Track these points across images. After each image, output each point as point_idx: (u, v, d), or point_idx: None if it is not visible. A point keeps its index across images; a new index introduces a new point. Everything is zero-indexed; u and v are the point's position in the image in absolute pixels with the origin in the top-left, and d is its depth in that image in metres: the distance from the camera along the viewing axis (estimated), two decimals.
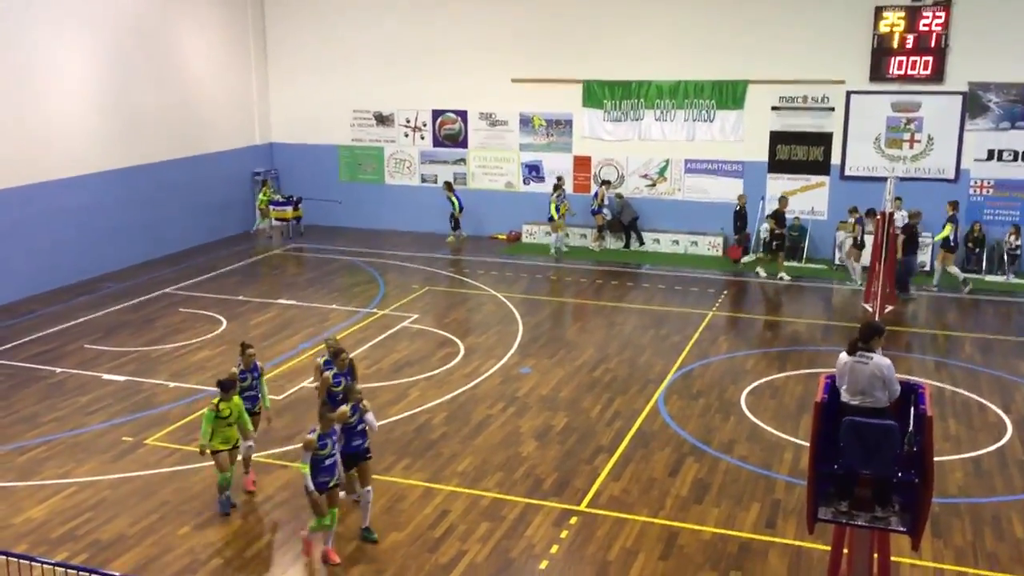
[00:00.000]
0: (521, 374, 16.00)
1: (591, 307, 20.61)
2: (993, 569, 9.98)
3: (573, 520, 11.09)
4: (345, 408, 10.38)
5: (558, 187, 24.82)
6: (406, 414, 14.29)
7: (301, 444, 10.09)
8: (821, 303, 20.86)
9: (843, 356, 8.01)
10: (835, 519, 7.85)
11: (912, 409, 7.95)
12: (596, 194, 24.97)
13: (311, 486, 9.84)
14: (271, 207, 27.12)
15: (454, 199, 25.72)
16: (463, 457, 12.80)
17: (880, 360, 7.91)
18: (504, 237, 26.71)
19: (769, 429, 13.66)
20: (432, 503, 11.51)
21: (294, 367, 16.28)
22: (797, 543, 10.43)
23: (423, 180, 27.37)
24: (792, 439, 13.14)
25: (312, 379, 12.42)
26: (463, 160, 27.07)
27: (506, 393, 15.13)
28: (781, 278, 22.21)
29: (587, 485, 11.96)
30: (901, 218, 21.69)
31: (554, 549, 10.47)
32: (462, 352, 17.11)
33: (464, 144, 27.01)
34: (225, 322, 18.93)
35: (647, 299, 21.04)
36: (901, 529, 7.69)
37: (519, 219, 26.49)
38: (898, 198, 20.41)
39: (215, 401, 11.13)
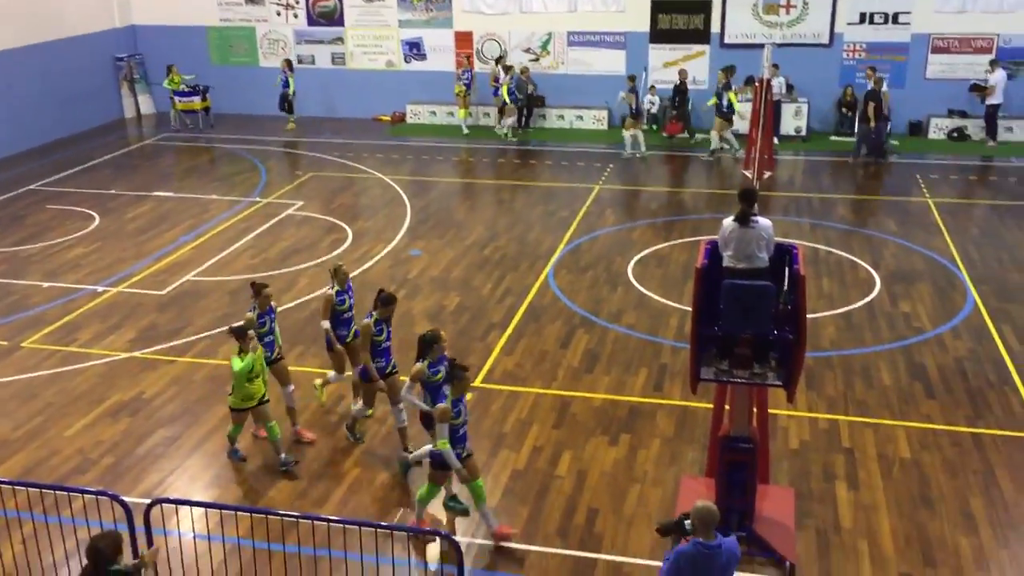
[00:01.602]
0: (411, 256, 15.92)
1: (479, 186, 20.51)
2: (863, 415, 10.67)
3: (468, 396, 11.23)
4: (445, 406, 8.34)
5: (508, 68, 23.73)
6: (297, 302, 14.12)
7: (436, 414, 8.25)
8: (704, 172, 21.25)
9: (727, 223, 8.16)
10: (716, 378, 8.19)
11: (786, 270, 8.25)
12: (498, 77, 24.16)
13: (453, 461, 8.26)
14: (176, 98, 25.31)
15: (292, 80, 24.51)
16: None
17: (764, 222, 8.13)
18: (388, 118, 26.11)
19: (655, 297, 14.05)
20: (327, 388, 11.50)
21: (176, 260, 15.79)
22: (683, 403, 10.89)
23: (300, 61, 26.29)
24: (677, 305, 13.55)
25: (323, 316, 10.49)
26: (340, 39, 26.07)
27: (397, 276, 15.07)
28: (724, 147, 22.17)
29: (481, 362, 12.14)
30: (779, 84, 22.10)
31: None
32: (350, 237, 16.88)
33: (340, 22, 25.96)
34: (98, 218, 18.12)
35: (534, 176, 21.04)
36: (777, 383, 8.07)
37: (403, 99, 25.87)
38: (775, 65, 20.72)
39: (242, 355, 9.38)
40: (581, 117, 24.62)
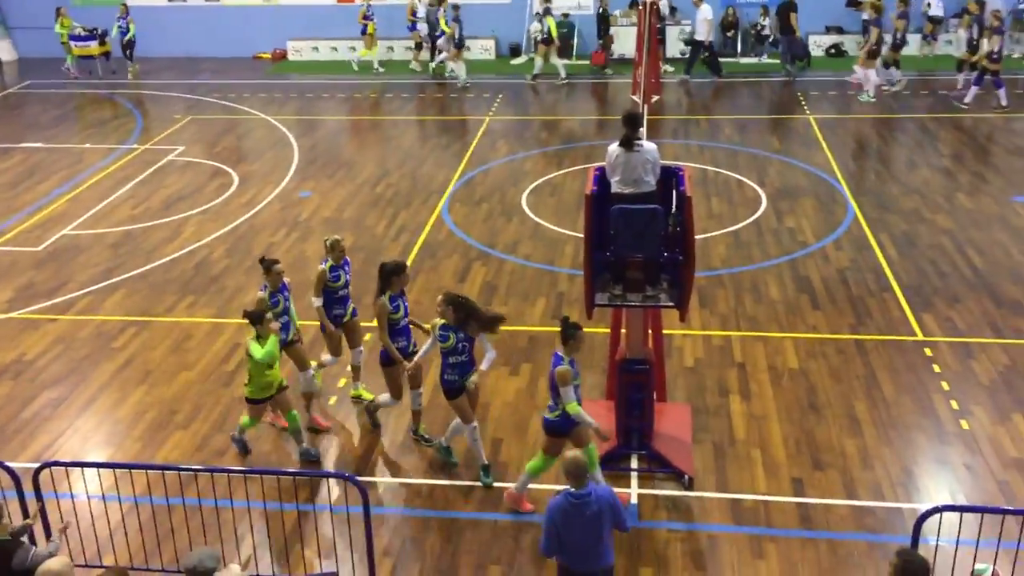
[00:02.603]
0: (301, 198, 15.55)
1: (368, 123, 20.08)
2: (753, 330, 10.99)
3: (368, 337, 11.14)
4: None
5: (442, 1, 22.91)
6: (184, 251, 13.65)
7: (558, 377, 7.59)
8: (593, 99, 21.27)
9: (613, 148, 8.17)
10: (611, 302, 8.28)
11: (674, 192, 8.35)
12: (415, 11, 23.24)
13: (587, 419, 7.63)
14: (72, 43, 23.59)
15: (131, 25, 23.22)
16: (249, 288, 12.45)
17: (649, 145, 8.16)
18: (269, 56, 25.22)
19: (550, 226, 14.10)
20: (222, 338, 11.24)
21: (51, 214, 15.06)
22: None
23: (170, 0, 25.04)
24: (572, 233, 13.63)
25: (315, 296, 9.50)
26: None
27: (288, 219, 14.71)
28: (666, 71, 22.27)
29: None
30: (664, 6, 22.16)
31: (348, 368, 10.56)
32: (236, 181, 16.36)
33: None
34: None
35: (423, 110, 20.72)
36: (670, 304, 8.21)
37: (283, 36, 24.99)
38: None
39: (260, 340, 8.42)
40: (467, 47, 24.21)
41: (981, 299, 11.41)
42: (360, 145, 18.50)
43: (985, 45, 18.59)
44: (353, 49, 24.14)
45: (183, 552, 6.98)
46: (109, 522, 7.73)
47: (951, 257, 12.52)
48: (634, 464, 8.68)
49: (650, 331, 8.96)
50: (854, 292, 11.75)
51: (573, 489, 6.07)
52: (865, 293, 11.71)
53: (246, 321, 8.54)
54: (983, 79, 18.67)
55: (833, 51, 23.15)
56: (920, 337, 10.65)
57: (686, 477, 8.42)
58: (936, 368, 10.01)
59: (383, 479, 8.72)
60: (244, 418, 8.92)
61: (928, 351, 10.36)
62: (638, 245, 8.00)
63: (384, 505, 8.35)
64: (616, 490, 8.20)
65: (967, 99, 18.85)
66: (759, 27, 23.01)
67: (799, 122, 18.65)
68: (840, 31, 23.24)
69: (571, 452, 6.28)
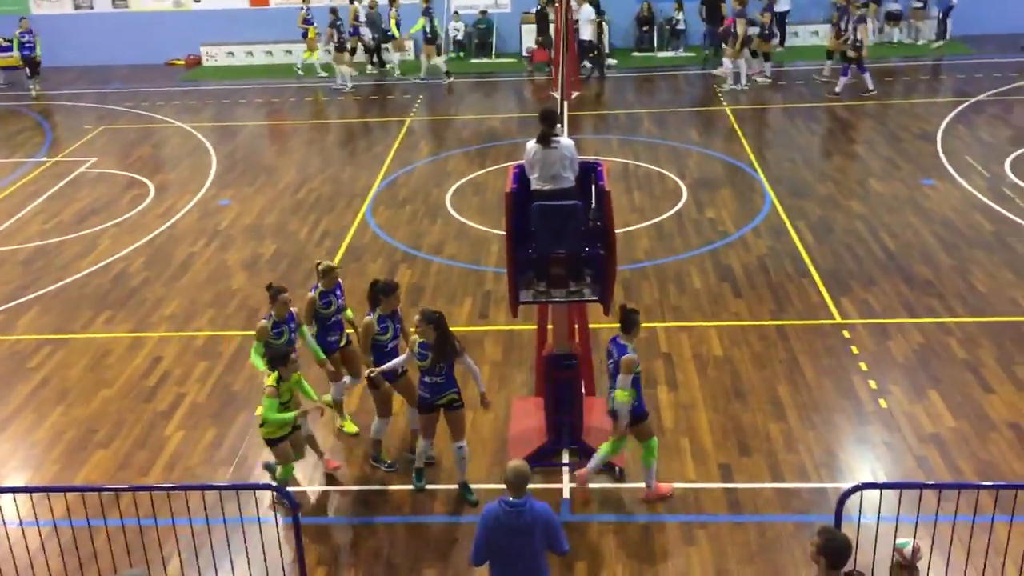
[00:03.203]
0: (221, 206, 15.27)
1: (287, 128, 19.81)
2: (678, 320, 11.14)
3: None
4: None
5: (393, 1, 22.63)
6: (99, 265, 13.29)
7: (623, 365, 7.64)
8: (513, 96, 21.33)
9: (531, 145, 8.20)
10: (536, 299, 8.31)
11: (593, 187, 8.41)
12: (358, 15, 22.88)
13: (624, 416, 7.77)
14: None
15: (38, 42, 22.14)
16: (169, 300, 12.20)
17: (566, 142, 8.19)
18: (182, 62, 24.71)
19: (475, 225, 14.09)
20: (142, 352, 10.97)
21: None
22: (508, 327, 11.04)
23: (76, 7, 24.36)
24: (496, 232, 13.62)
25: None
26: None
27: (207, 228, 14.43)
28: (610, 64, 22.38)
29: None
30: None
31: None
32: (153, 192, 15.99)
33: None
34: None
35: (343, 112, 20.53)
36: (593, 299, 8.28)
37: (196, 41, 24.52)
38: None
39: (281, 384, 7.87)
40: (387, 49, 24.06)
41: (895, 281, 11.74)
42: (280, 150, 18.24)
43: (857, 32, 19.14)
44: (289, 52, 23.73)
45: (107, 575, 6.79)
46: (28, 548, 7.48)
47: (865, 241, 12.86)
48: (566, 459, 8.72)
49: (576, 326, 9.02)
50: (774, 279, 11.99)
51: (510, 497, 5.93)
52: (785, 279, 11.96)
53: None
54: (850, 68, 19.24)
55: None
56: (838, 320, 10.92)
57: (617, 469, 8.49)
58: (854, 350, 10.28)
59: (314, 488, 8.61)
60: (279, 470, 8.16)
61: (846, 333, 10.62)
62: (559, 241, 8.04)
63: (317, 515, 8.24)
64: (548, 485, 8.34)
65: (837, 88, 19.43)
66: (674, 22, 23.33)
67: (716, 114, 18.97)
68: (753, 23, 23.63)
69: (514, 461, 6.11)
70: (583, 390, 8.90)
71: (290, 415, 7.96)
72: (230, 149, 18.09)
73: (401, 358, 8.27)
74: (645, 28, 23.53)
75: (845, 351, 10.29)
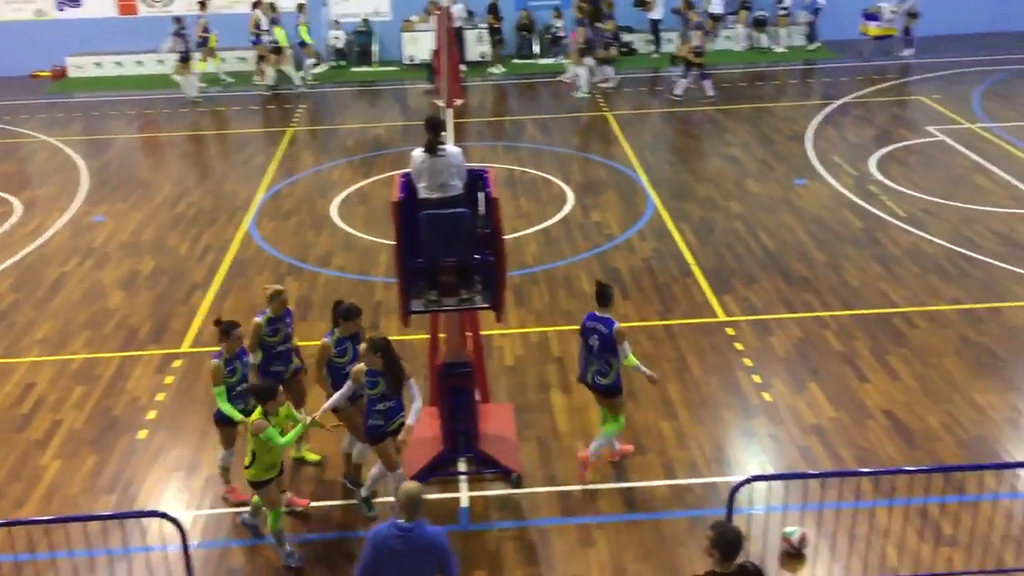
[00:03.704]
0: (94, 223, 14.65)
1: (163, 140, 19.18)
2: (569, 324, 11.23)
3: (177, 364, 10.66)
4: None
5: (302, 7, 21.97)
6: None
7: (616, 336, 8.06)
8: (397, 105, 21.20)
9: (417, 153, 8.14)
10: (427, 308, 8.25)
11: (480, 194, 8.42)
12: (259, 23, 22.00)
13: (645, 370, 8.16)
14: None
15: None
16: (41, 323, 11.63)
17: (453, 149, 8.17)
18: (48, 74, 23.63)
19: (362, 236, 13.93)
20: (12, 379, 10.41)
21: None
22: (400, 338, 10.82)
23: None
24: (384, 241, 13.49)
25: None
26: None
27: (80, 246, 13.82)
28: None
29: (186, 325, 11.48)
30: (460, 10, 22.37)
31: (160, 397, 10.04)
32: (19, 210, 15.22)
33: None
34: None
35: (222, 124, 20.01)
36: (485, 306, 8.28)
37: (62, 52, 23.48)
38: None
39: (270, 417, 7.31)
40: (264, 57, 23.51)
41: (774, 278, 12.17)
42: (156, 164, 17.64)
43: (695, 39, 19.80)
44: (161, 63, 22.91)
45: None
46: None
47: (745, 240, 13.28)
48: (462, 468, 8.69)
49: (468, 333, 9.01)
50: (660, 279, 12.25)
51: (401, 520, 5.76)
52: (670, 280, 12.24)
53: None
54: (690, 72, 19.92)
55: (625, 49, 24.06)
56: (722, 318, 11.24)
57: (514, 475, 8.52)
58: (738, 346, 10.59)
59: (203, 511, 8.33)
60: (269, 517, 7.52)
61: (730, 331, 10.94)
62: (449, 249, 8.02)
63: (206, 539, 7.98)
64: (446, 495, 8.29)
65: (677, 91, 20.08)
66: (553, 29, 23.63)
67: (597, 119, 19.29)
68: (630, 30, 24.19)
69: (408, 484, 5.93)
70: (478, 398, 8.89)
71: (294, 433, 7.47)
72: (102, 163, 17.39)
73: (344, 391, 7.78)
74: (525, 35, 23.76)
75: (730, 348, 10.59)
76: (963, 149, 16.45)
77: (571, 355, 10.56)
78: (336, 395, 7.85)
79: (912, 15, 22.57)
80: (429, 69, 21.38)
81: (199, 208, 15.13)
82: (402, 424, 7.72)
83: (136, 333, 11.33)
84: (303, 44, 22.39)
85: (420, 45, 23.07)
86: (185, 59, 20.88)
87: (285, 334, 8.53)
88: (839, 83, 21.23)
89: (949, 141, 16.87)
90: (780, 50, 23.98)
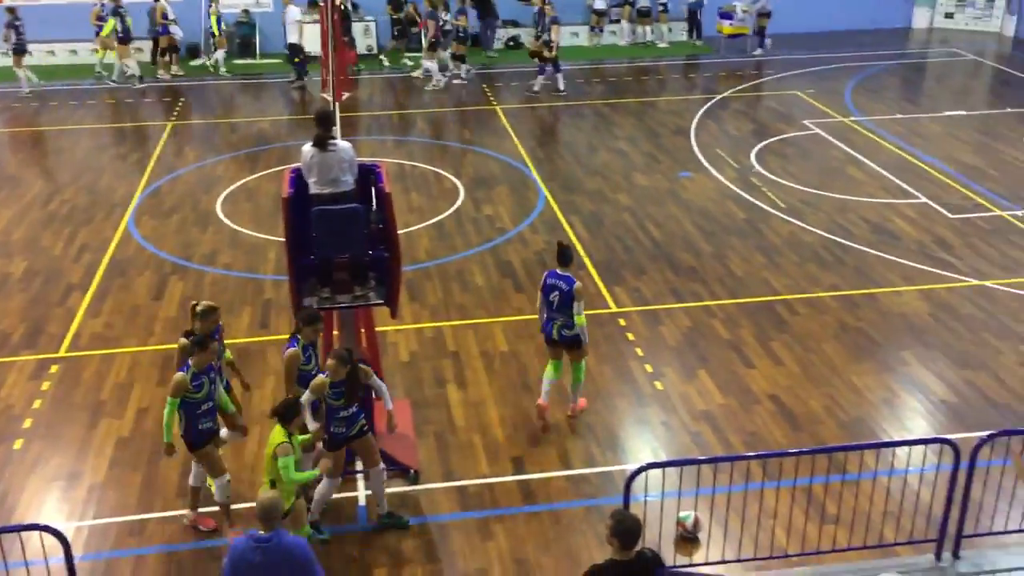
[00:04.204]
0: None
1: (27, 135, 18.25)
2: (463, 318, 11.25)
3: (54, 369, 10.19)
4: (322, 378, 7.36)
5: None
6: None
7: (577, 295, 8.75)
8: (282, 98, 20.74)
9: (307, 148, 8.00)
10: (320, 306, 8.11)
11: (373, 189, 8.32)
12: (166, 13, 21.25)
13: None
14: None
15: None
16: None
17: (344, 144, 8.04)
18: None
19: (249, 232, 13.58)
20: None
21: None
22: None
23: None
24: (273, 238, 13.21)
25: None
26: None
27: None
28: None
29: (63, 329, 10.98)
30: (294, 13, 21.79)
31: (37, 404, 9.58)
32: None
33: None
34: None
35: (96, 117, 19.17)
36: (379, 302, 8.20)
37: None
38: None
39: (291, 438, 6.87)
40: (141, 49, 22.64)
41: (662, 269, 12.44)
42: (24, 159, 16.79)
43: (552, 34, 19.96)
44: (30, 54, 21.72)
45: None
46: None
47: (633, 232, 13.53)
48: (359, 466, 8.58)
49: (363, 330, 8.89)
50: None
51: (259, 532, 5.54)
52: None
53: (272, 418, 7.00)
54: (546, 67, 20.20)
55: (512, 43, 24.17)
56: (614, 309, 11.42)
57: (412, 471, 8.46)
58: (630, 336, 10.79)
59: (86, 522, 7.98)
60: (304, 526, 7.17)
61: (622, 321, 11.13)
62: (342, 245, 7.91)
63: (90, 551, 7.65)
64: (343, 494, 8.16)
65: (535, 87, 20.33)
66: (441, 23, 23.47)
67: (487, 113, 19.32)
68: (516, 24, 24.30)
69: (267, 493, 5.69)
70: (373, 395, 8.78)
71: (312, 473, 7.17)
72: None
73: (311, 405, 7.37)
74: (414, 29, 23.55)
75: (622, 338, 10.78)
76: (836, 142, 17.16)
77: (466, 349, 10.58)
78: (308, 417, 7.37)
79: (764, 15, 23.31)
80: (294, 62, 20.88)
81: (73, 206, 14.48)
82: (361, 427, 7.58)
83: (8, 338, 10.77)
84: (213, 34, 21.81)
85: (308, 38, 22.56)
86: (20, 51, 19.94)
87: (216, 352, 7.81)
88: (719, 78, 21.85)
89: (823, 134, 17.57)
90: (663, 45, 24.51)
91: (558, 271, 8.94)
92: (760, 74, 22.06)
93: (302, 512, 7.18)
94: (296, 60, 20.73)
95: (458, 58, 21.32)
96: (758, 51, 23.45)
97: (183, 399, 7.36)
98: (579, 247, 13.04)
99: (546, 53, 19.99)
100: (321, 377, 7.34)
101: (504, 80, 21.57)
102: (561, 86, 20.17)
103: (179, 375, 7.37)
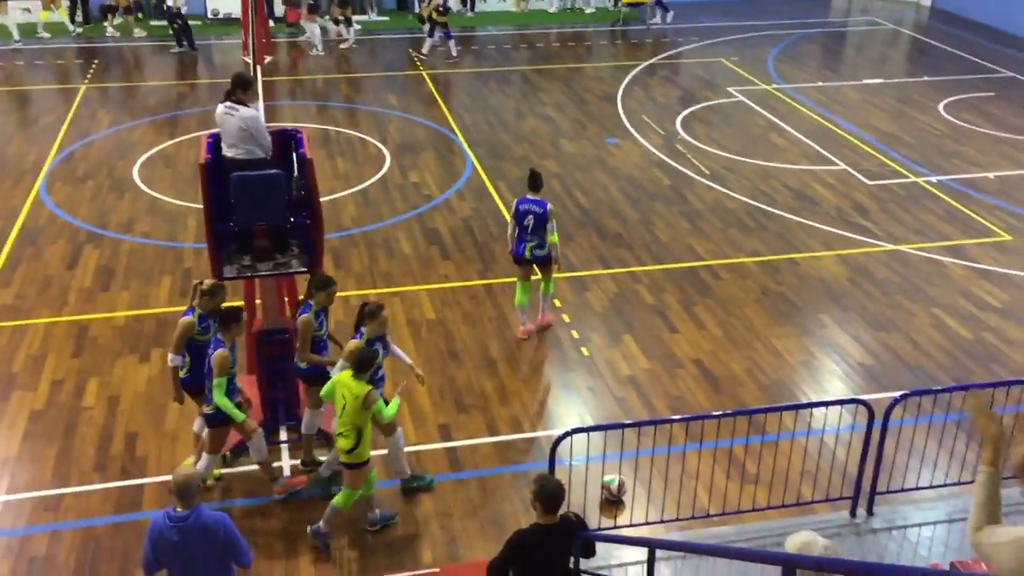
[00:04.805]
0: None
1: None
2: (389, 286, 11.16)
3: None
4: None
5: None
6: None
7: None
8: (202, 61, 20.16)
9: (219, 108, 7.82)
10: (240, 274, 7.94)
11: (294, 155, 8.15)
12: None
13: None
14: None
15: None
16: None
17: (245, 112, 7.81)
18: None
19: (168, 199, 13.23)
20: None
21: None
22: None
23: None
24: (193, 205, 12.88)
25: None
26: None
27: None
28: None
29: None
30: None
31: None
32: None
33: None
34: None
35: (4, 80, 18.40)
36: (302, 270, 8.05)
37: None
38: None
39: (369, 388, 7.00)
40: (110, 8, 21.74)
41: (589, 235, 12.49)
42: None
43: None
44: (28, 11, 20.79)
45: None
46: None
47: (561, 199, 13.54)
48: (283, 436, 8.49)
49: (286, 298, 8.75)
50: (479, 239, 12.32)
51: (176, 509, 5.35)
52: (488, 239, 12.33)
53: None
54: (435, 31, 20.10)
55: (441, 9, 23.80)
56: (539, 275, 11.41)
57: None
58: (557, 303, 10.82)
59: (0, 497, 7.74)
60: (343, 496, 7.23)
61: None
62: (262, 213, 7.73)
63: (6, 527, 7.43)
64: (267, 464, 8.04)
65: (424, 49, 20.24)
66: None
67: (413, 78, 19.08)
68: None
69: (182, 468, 5.47)
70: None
71: (394, 407, 7.26)
72: None
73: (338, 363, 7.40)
74: None
75: (549, 304, 10.80)
76: (760, 109, 17.39)
77: (392, 317, 10.41)
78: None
79: None
80: (171, 23, 20.28)
81: None
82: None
83: None
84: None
85: (226, 1, 21.99)
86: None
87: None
88: (645, 45, 21.92)
89: (747, 101, 17.79)
90: (590, 11, 24.46)
91: (529, 196, 9.70)
92: (686, 41, 22.19)
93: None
94: (175, 25, 20.11)
95: (339, 21, 20.91)
96: (655, 20, 23.37)
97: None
98: (506, 213, 13.00)
99: (436, 17, 19.77)
100: (356, 343, 7.37)
101: (432, 44, 21.27)
102: (454, 52, 20.01)
103: (222, 352, 7.12)
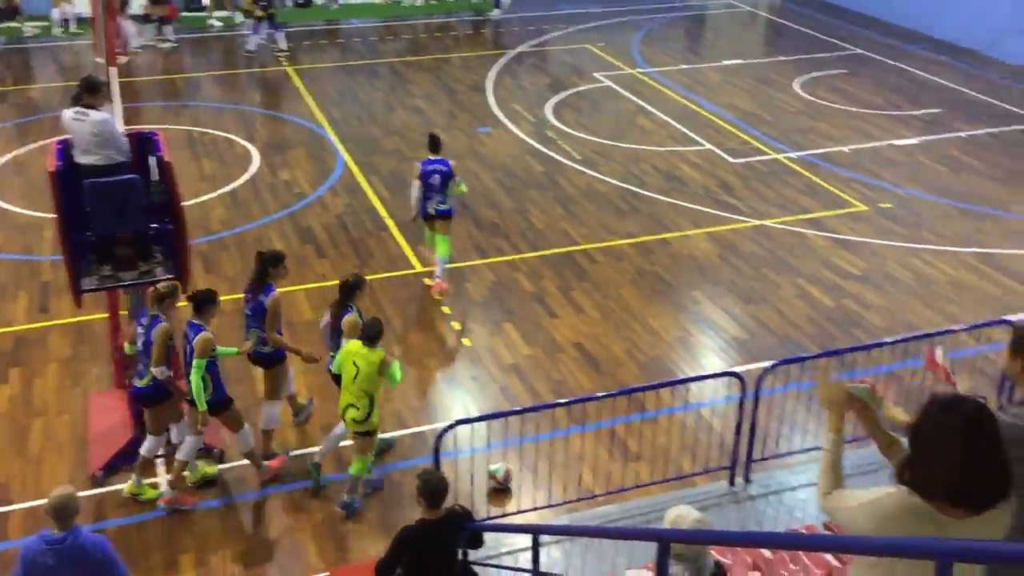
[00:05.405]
0: None
1: None
2: None
3: None
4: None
5: None
6: None
7: None
8: (53, 63, 19.21)
9: (66, 113, 7.47)
10: (102, 285, 7.63)
11: (152, 158, 7.85)
12: None
13: None
14: None
15: None
16: None
17: (95, 116, 7.49)
18: None
19: (21, 211, 12.58)
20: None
21: None
22: (75, 319, 10.03)
23: None
24: (49, 216, 12.24)
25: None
26: None
27: None
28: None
29: None
30: None
31: None
32: None
33: None
34: None
35: None
36: (168, 277, 7.78)
37: None
38: None
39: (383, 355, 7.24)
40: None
41: (466, 225, 12.47)
42: None
43: None
44: None
45: None
46: None
47: None
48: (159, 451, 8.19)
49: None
50: (355, 235, 12.17)
51: (53, 531, 5.09)
52: (365, 235, 12.19)
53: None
54: (260, 25, 19.54)
55: (302, 2, 23.36)
56: (419, 269, 11.38)
57: (216, 450, 8.16)
58: (437, 295, 10.79)
59: None
60: (362, 463, 7.45)
61: (428, 281, 11.11)
62: (121, 220, 7.45)
63: None
64: (143, 480, 7.76)
65: (249, 46, 19.64)
66: None
67: (277, 74, 18.66)
68: None
69: (59, 489, 5.16)
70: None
71: (399, 371, 7.44)
72: None
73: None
74: None
75: (428, 297, 10.77)
76: (626, 93, 17.72)
77: None
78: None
79: None
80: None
81: None
82: None
83: None
84: None
85: None
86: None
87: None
88: (512, 33, 22.03)
89: (614, 86, 18.10)
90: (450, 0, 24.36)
91: (431, 157, 10.42)
92: (552, 28, 22.39)
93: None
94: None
95: (154, 20, 20.23)
96: (495, 11, 23.45)
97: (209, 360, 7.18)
98: (380, 208, 12.89)
99: (257, 12, 19.21)
100: (354, 317, 7.63)
101: (295, 40, 20.83)
102: (283, 45, 19.65)
103: (206, 334, 7.14)
